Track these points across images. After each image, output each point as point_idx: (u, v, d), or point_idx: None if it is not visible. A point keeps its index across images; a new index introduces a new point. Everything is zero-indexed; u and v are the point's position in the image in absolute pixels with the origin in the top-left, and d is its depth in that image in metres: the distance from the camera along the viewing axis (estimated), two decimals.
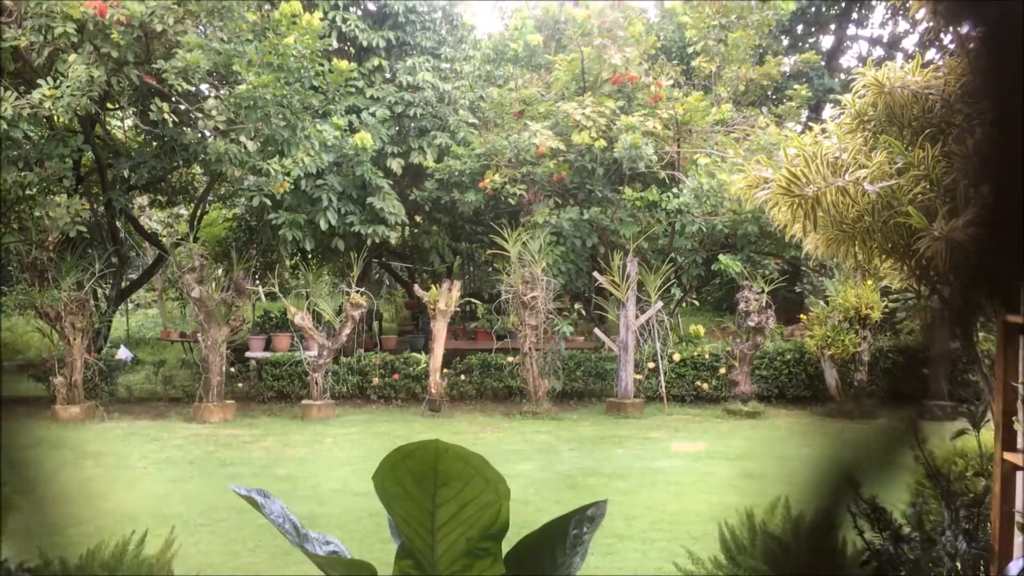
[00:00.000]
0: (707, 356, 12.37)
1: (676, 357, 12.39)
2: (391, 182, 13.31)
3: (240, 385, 12.44)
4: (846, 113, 5.08)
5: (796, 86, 14.68)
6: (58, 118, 10.48)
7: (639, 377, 12.19)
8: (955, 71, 4.86)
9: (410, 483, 2.40)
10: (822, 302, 12.05)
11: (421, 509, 2.45)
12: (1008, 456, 3.38)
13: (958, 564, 3.65)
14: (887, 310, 11.41)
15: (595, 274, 12.14)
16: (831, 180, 4.74)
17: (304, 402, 11.57)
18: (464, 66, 14.15)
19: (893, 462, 4.52)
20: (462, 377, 12.49)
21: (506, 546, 2.85)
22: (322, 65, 11.70)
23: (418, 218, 15.15)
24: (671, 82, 13.79)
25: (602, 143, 12.20)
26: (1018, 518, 3.34)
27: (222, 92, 11.45)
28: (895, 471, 4.36)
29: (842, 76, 16.85)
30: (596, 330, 12.55)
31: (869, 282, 11.22)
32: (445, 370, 12.24)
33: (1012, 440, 3.38)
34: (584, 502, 2.78)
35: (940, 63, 5.13)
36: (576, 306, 13.23)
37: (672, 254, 13.01)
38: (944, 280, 4.49)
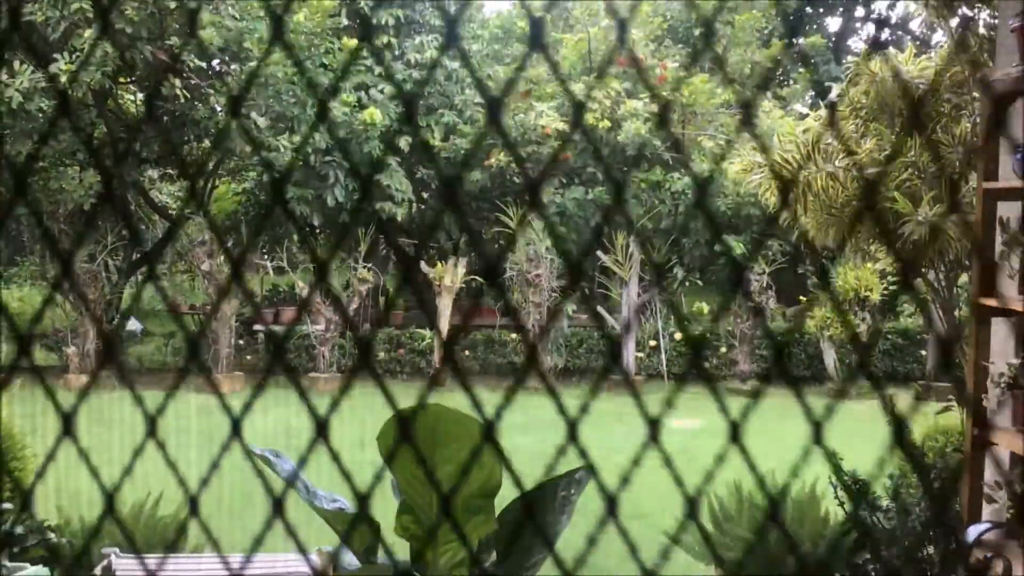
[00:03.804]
0: (709, 335, 12.57)
1: (677, 336, 12.60)
2: (399, 159, 13.48)
3: (248, 358, 12.68)
4: (839, 101, 5.24)
5: (801, 71, 14.78)
6: (73, 92, 10.66)
7: (640, 355, 12.40)
8: (945, 62, 5.02)
9: (408, 444, 2.61)
10: (823, 283, 12.22)
11: (421, 468, 2.66)
12: (978, 431, 3.57)
13: (930, 532, 3.85)
14: (886, 292, 11.57)
15: (599, 253, 12.32)
16: (822, 166, 4.91)
17: (311, 375, 11.81)
18: (472, 44, 14.28)
19: (878, 438, 4.73)
20: (466, 353, 12.72)
21: (500, 507, 3.08)
22: (332, 43, 11.85)
23: (425, 195, 15.32)
24: (676, 64, 13.90)
25: (606, 124, 12.35)
26: (986, 490, 3.53)
27: (233, 68, 11.61)
28: (880, 447, 4.57)
29: (849, 59, 16.89)
30: (599, 308, 12.75)
31: (868, 265, 11.38)
32: (450, 346, 12.45)
33: (983, 416, 3.57)
34: None
35: (932, 54, 5.28)
36: (580, 285, 13.42)
37: (676, 234, 13.18)
38: (929, 263, 4.67)
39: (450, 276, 11.98)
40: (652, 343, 12.46)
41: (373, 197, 13.12)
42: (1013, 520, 3.29)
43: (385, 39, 14.07)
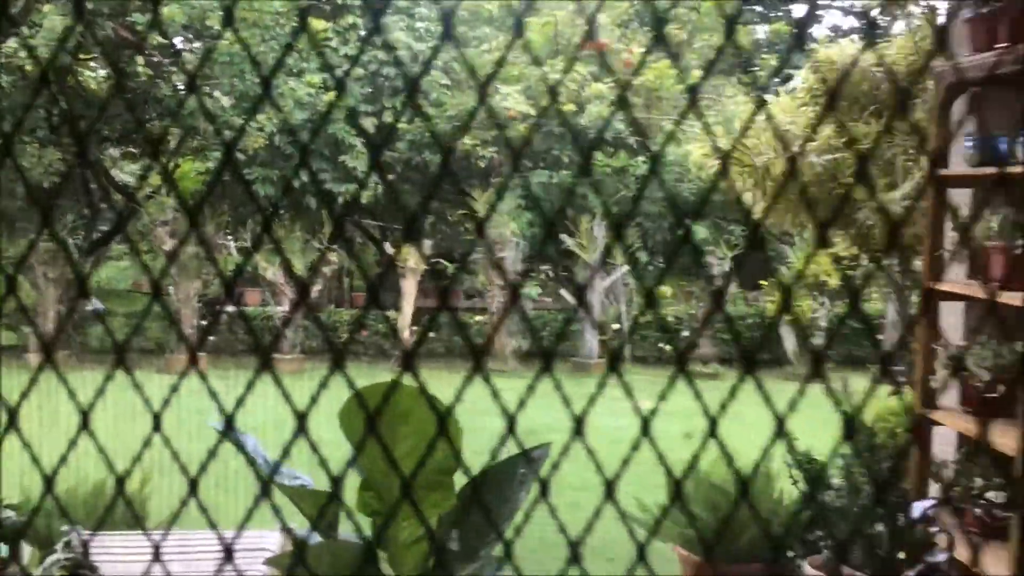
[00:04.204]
0: (672, 319, 12.71)
1: (640, 319, 12.72)
2: (363, 141, 13.43)
3: (212, 338, 12.62)
4: (799, 88, 5.33)
5: (765, 56, 14.92)
6: (32, 68, 10.50)
7: (603, 338, 12.50)
8: (902, 50, 5.11)
9: (368, 421, 2.65)
10: (784, 268, 12.40)
11: (377, 446, 2.70)
12: (925, 412, 3.68)
13: (879, 510, 3.96)
14: (845, 278, 11.76)
15: (564, 237, 12.40)
16: (782, 152, 5.00)
17: (275, 356, 11.79)
18: (438, 26, 14.23)
19: (834, 419, 4.85)
20: (430, 335, 12.75)
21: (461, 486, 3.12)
22: (297, 23, 11.75)
23: (390, 177, 15.28)
24: (644, 48, 13.95)
25: (572, 108, 12.39)
26: (932, 468, 3.64)
27: (196, 46, 11.50)
28: (834, 427, 4.68)
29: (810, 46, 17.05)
30: (562, 291, 12.84)
31: (828, 249, 11.55)
32: (414, 327, 12.49)
33: (931, 397, 3.68)
34: None
35: (889, 42, 5.37)
36: (544, 268, 13.51)
37: (639, 218, 13.28)
38: (880, 248, 4.79)
39: (414, 258, 11.99)
40: (615, 326, 12.57)
41: (335, 178, 13.08)
42: (957, 497, 3.40)
43: (351, 19, 13.98)
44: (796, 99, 5.46)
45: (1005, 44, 3.30)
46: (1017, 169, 3.18)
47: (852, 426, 3.33)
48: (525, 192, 12.82)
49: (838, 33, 16.35)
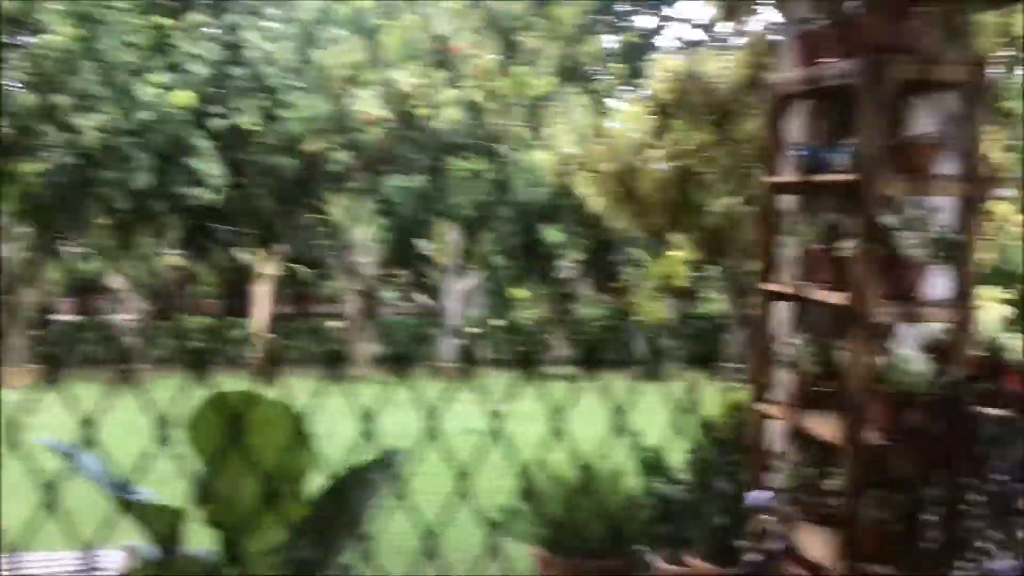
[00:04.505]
0: (527, 322, 12.90)
1: (495, 323, 12.85)
2: (212, 143, 13.02)
3: (45, 349, 11.95)
4: (645, 97, 5.53)
5: (612, 65, 15.33)
6: None
7: (459, 342, 12.57)
8: (740, 62, 5.37)
9: (220, 430, 2.59)
10: (635, 271, 12.77)
11: (229, 454, 2.65)
12: (759, 407, 3.88)
13: (719, 502, 4.16)
14: (692, 279, 12.22)
15: (420, 241, 12.39)
16: (629, 159, 5.17)
17: (120, 366, 11.27)
18: (289, 27, 13.98)
19: (683, 417, 5.02)
20: (285, 342, 12.49)
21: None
22: (141, 20, 11.30)
23: (241, 181, 14.87)
24: (497, 55, 14.11)
25: (425, 112, 12.41)
26: (767, 460, 3.85)
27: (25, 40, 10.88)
28: (686, 425, 4.87)
29: (656, 56, 17.63)
30: (419, 296, 12.83)
31: (674, 252, 11.98)
32: (269, 335, 12.21)
33: (765, 393, 3.89)
34: None
35: (731, 55, 5.63)
36: (400, 272, 13.46)
37: (494, 223, 13.41)
38: (722, 251, 5.02)
39: (267, 264, 11.72)
40: (472, 330, 12.65)
41: (183, 182, 12.64)
42: (790, 486, 3.61)
43: (198, 17, 13.54)
44: (643, 107, 5.65)
45: (828, 59, 3.53)
46: (839, 176, 3.41)
47: (696, 422, 3.47)
48: (381, 196, 12.74)
49: (683, 44, 16.98)
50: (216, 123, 13.05)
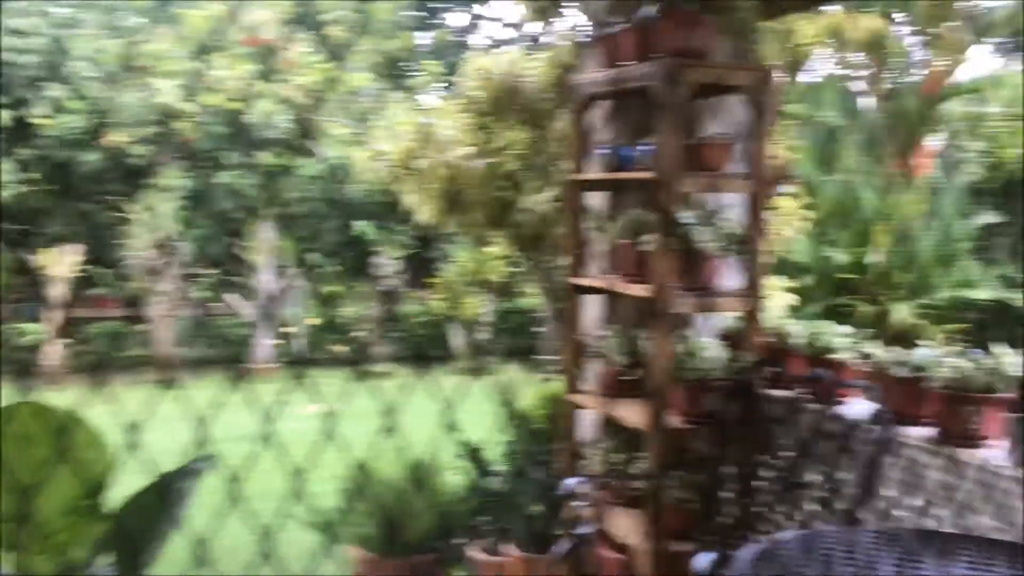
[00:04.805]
0: (344, 320, 12.73)
1: (313, 321, 12.62)
2: None
3: None
4: (457, 94, 5.57)
5: (426, 61, 15.36)
6: None
7: (276, 342, 12.26)
8: (548, 62, 5.50)
9: (4, 445, 2.42)
10: (450, 267, 12.86)
11: (16, 470, 2.48)
12: (571, 397, 4.01)
13: (535, 491, 4.26)
14: (508, 275, 12.44)
15: (231, 239, 11.99)
16: (441, 156, 5.20)
17: None
18: (82, 13, 13.16)
19: (500, 410, 5.08)
20: (82, 347, 11.78)
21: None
22: None
23: (31, 177, 13.88)
24: (309, 49, 13.84)
25: (235, 106, 12.01)
26: (579, 448, 3.98)
27: None
28: (503, 417, 4.93)
29: (468, 54, 17.81)
30: (231, 296, 12.41)
31: (488, 248, 12.16)
32: (64, 340, 11.47)
33: (576, 383, 4.02)
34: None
35: (540, 55, 5.75)
36: (211, 272, 12.97)
37: (309, 220, 13.16)
38: (532, 246, 5.14)
39: (60, 265, 11.00)
40: (287, 329, 12.37)
41: None
42: (600, 472, 3.75)
43: None
44: (456, 105, 5.69)
45: (628, 62, 3.68)
46: (640, 174, 3.57)
47: (513, 415, 3.54)
48: (189, 193, 12.22)
49: (495, 43, 17.22)
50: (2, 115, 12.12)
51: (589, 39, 4.15)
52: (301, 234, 12.29)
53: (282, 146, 13.05)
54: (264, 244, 11.84)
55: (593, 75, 3.96)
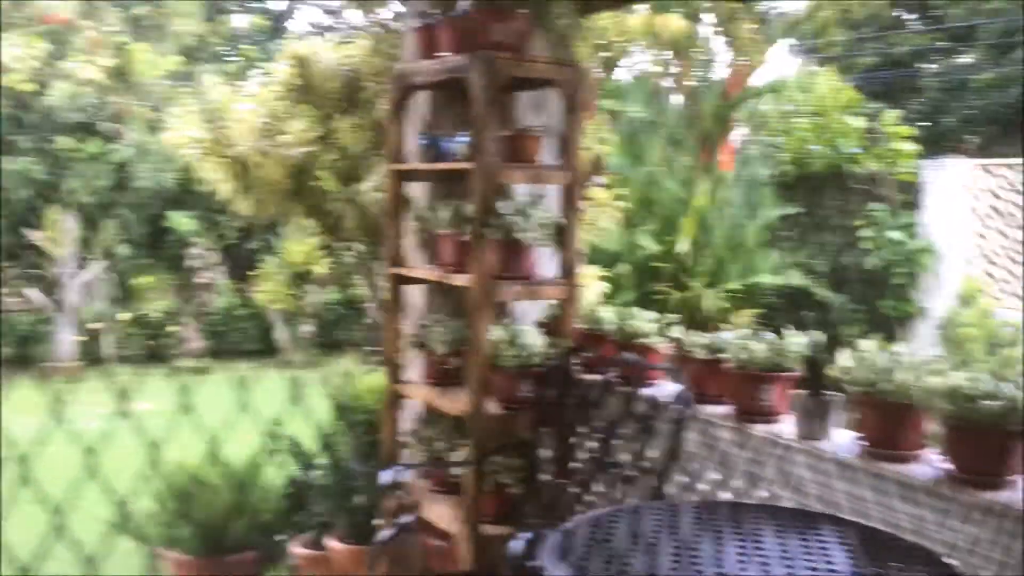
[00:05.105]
0: (157, 314, 12.17)
1: (123, 316, 12.00)
2: None
3: None
4: (273, 81, 5.43)
5: (244, 47, 14.90)
6: None
7: (80, 339, 11.59)
8: (367, 51, 5.46)
9: None
10: (272, 258, 12.53)
11: None
12: (395, 387, 4.01)
13: (357, 483, 4.24)
14: (330, 266, 12.24)
15: (30, 231, 11.21)
16: (256, 143, 5.06)
17: None
18: None
19: (324, 402, 5.01)
20: None
21: None
22: None
23: None
24: (114, 28, 13.11)
25: (32, 88, 11.23)
26: (402, 438, 3.99)
27: None
28: (327, 410, 4.86)
29: (283, 41, 17.42)
30: (30, 291, 11.62)
31: (310, 239, 11.93)
32: None
33: (400, 373, 4.03)
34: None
35: (359, 43, 5.69)
36: (7, 265, 12.09)
37: (116, 209, 12.49)
38: (353, 237, 5.10)
39: None
40: (94, 325, 11.70)
41: None
42: (422, 461, 3.78)
43: None
44: (272, 91, 5.55)
45: (446, 53, 3.71)
46: (459, 165, 3.61)
47: (337, 407, 3.50)
48: None
49: (315, 29, 16.88)
50: None
51: (410, 29, 4.15)
52: (107, 224, 11.63)
53: (85, 131, 12.30)
54: (66, 235, 11.14)
55: (413, 65, 3.97)
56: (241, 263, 14.46)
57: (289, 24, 18.08)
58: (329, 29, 16.71)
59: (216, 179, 5.16)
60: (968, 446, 2.22)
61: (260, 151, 4.93)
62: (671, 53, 7.97)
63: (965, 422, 2.20)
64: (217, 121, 5.36)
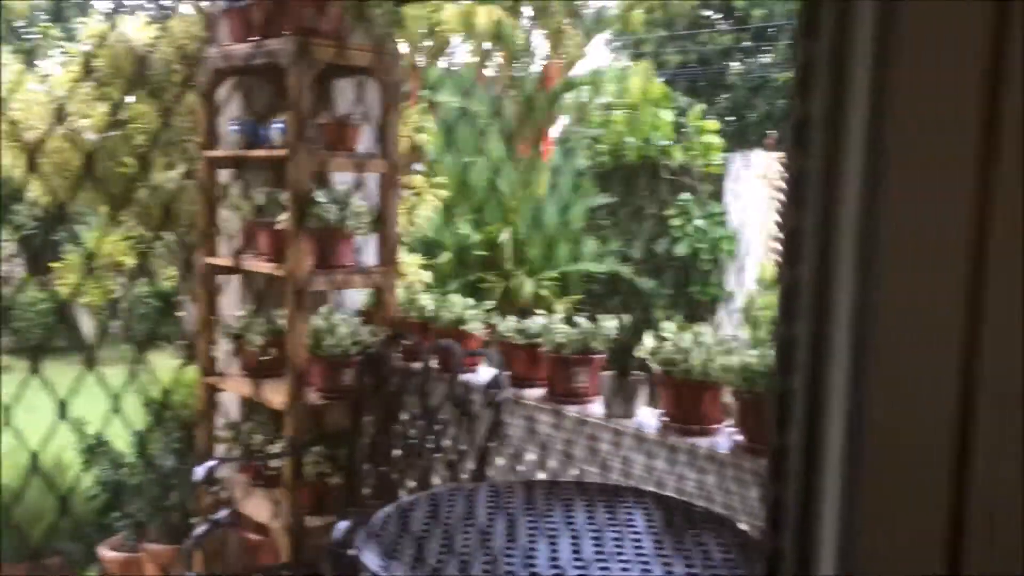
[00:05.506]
0: None
1: None
2: None
3: None
4: (74, 61, 5.14)
5: (43, 24, 13.96)
6: None
7: None
8: (178, 33, 5.24)
9: None
10: (76, 249, 11.83)
11: None
12: (209, 380, 3.90)
13: (174, 481, 4.10)
14: (139, 256, 11.68)
15: None
16: (54, 127, 4.77)
17: None
18: None
19: (133, 399, 4.78)
20: None
21: None
22: None
23: None
24: None
25: None
26: (218, 432, 3.89)
27: None
28: (138, 406, 4.65)
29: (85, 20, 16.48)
30: None
31: (119, 229, 11.35)
32: None
33: (214, 366, 3.91)
34: None
35: (167, 24, 5.45)
36: None
37: None
38: (164, 227, 4.89)
39: None
40: None
41: None
42: (239, 454, 3.69)
43: None
44: (72, 73, 5.25)
45: (257, 38, 3.62)
46: (273, 152, 3.54)
47: (148, 402, 3.36)
48: None
49: (120, 8, 16.03)
50: None
51: (222, 11, 4.02)
52: None
53: None
54: None
55: (224, 49, 3.85)
56: (43, 254, 13.58)
57: (94, 2, 17.09)
58: (138, 9, 15.89)
59: (11, 165, 4.83)
60: (756, 418, 2.39)
61: (60, 136, 4.65)
62: (490, 44, 8.07)
63: (754, 395, 2.37)
64: (12, 103, 5.01)
